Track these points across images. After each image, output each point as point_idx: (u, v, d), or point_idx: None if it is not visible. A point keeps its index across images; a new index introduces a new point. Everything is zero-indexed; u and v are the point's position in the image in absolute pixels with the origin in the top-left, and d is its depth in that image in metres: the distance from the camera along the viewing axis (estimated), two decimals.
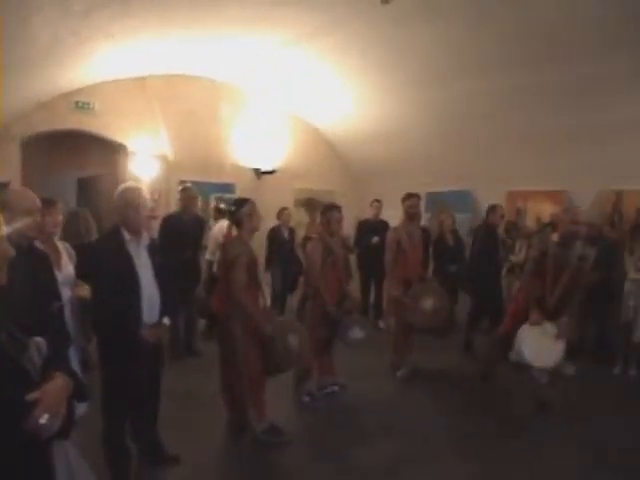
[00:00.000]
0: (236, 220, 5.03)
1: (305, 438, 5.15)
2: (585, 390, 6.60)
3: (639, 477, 4.57)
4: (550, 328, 5.56)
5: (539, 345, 5.46)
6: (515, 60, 7.59)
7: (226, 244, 5.07)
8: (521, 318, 5.74)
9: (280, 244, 9.42)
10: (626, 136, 8.14)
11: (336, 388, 6.28)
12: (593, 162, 8.49)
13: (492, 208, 8.26)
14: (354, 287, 9.71)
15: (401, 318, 6.80)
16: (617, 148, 8.28)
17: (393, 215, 8.79)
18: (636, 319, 7.07)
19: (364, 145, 11.41)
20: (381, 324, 9.65)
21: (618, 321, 7.48)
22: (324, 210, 6.19)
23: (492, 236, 8.11)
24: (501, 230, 8.74)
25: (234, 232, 5.09)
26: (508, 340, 5.77)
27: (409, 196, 7.03)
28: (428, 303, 6.68)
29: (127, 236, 4.00)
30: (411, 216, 7.01)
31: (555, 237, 5.79)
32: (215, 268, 7.17)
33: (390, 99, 9.67)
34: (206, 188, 10.03)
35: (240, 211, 4.99)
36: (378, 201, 10.05)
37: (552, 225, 8.00)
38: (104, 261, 3.91)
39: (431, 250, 8.80)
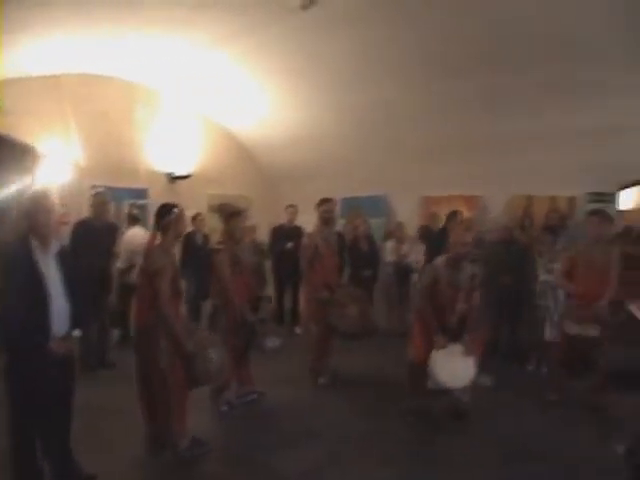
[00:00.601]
0: (163, 226, 4.82)
1: (226, 447, 5.09)
2: (503, 390, 6.73)
3: (563, 472, 4.68)
4: (457, 348, 5.58)
5: (451, 367, 5.44)
6: (434, 68, 7.80)
7: (149, 252, 4.85)
8: (427, 342, 5.68)
9: (194, 250, 9.23)
10: (537, 145, 8.56)
11: (255, 396, 6.17)
12: (506, 169, 8.81)
13: (453, 214, 8.33)
14: (269, 293, 9.70)
15: (321, 323, 6.78)
16: (528, 156, 8.68)
17: (307, 220, 8.81)
18: (547, 319, 7.30)
19: (279, 149, 11.37)
20: (297, 330, 9.66)
21: (531, 321, 7.77)
22: (227, 218, 6.04)
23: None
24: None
25: (157, 239, 4.89)
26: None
27: (324, 201, 7.00)
28: (353, 308, 6.72)
29: (34, 243, 3.82)
30: (326, 221, 6.99)
31: (442, 261, 5.80)
32: (134, 275, 6.96)
33: (307, 103, 9.68)
34: (119, 193, 9.69)
35: (168, 217, 4.81)
36: (292, 206, 10.01)
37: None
38: (9, 270, 3.72)
39: (346, 255, 8.84)
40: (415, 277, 9.45)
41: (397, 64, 7.95)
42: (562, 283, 6.56)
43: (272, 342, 6.01)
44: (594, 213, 6.48)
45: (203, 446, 4.87)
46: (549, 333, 7.20)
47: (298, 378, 6.99)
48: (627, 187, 9.01)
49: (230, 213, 6.10)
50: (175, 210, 4.88)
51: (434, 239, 8.41)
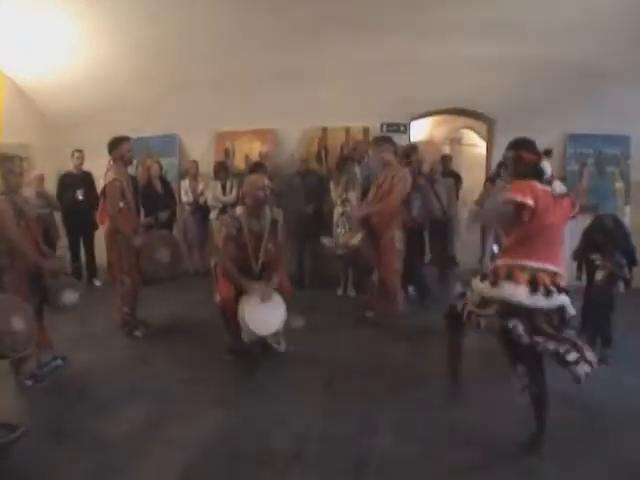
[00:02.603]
0: None
1: (42, 424, 4.50)
2: (318, 318, 6.92)
3: (383, 386, 4.97)
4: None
5: (261, 313, 5.38)
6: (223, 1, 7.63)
7: None
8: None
9: None
10: (330, 76, 8.79)
11: (60, 362, 5.54)
12: (299, 101, 8.94)
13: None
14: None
15: (134, 271, 6.39)
16: (322, 87, 8.86)
17: (95, 165, 8.34)
18: None
19: (60, 92, 10.34)
20: (97, 282, 9.16)
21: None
22: None
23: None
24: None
25: None
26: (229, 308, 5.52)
27: (123, 139, 6.39)
28: (164, 252, 6.46)
29: None
30: (129, 161, 6.51)
31: (239, 210, 5.70)
32: None
33: (89, 42, 8.95)
34: None
35: None
36: (79, 151, 9.25)
37: None
38: None
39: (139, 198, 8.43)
40: (213, 215, 9.40)
41: None
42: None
43: (68, 298, 5.38)
44: (373, 141, 6.87)
45: (14, 430, 4.17)
46: None
47: (106, 335, 6.59)
48: (418, 118, 9.59)
49: None
50: None
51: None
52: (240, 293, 5.50)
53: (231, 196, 9.19)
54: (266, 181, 5.74)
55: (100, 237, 7.04)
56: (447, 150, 13.86)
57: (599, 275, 5.69)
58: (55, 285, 5.28)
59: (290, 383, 5.17)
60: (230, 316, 5.48)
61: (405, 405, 4.61)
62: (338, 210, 8.07)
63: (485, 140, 10.72)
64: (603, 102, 8.67)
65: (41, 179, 9.03)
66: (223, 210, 9.05)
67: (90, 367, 5.68)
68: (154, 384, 5.22)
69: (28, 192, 8.43)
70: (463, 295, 4.07)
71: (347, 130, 9.34)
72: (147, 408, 4.70)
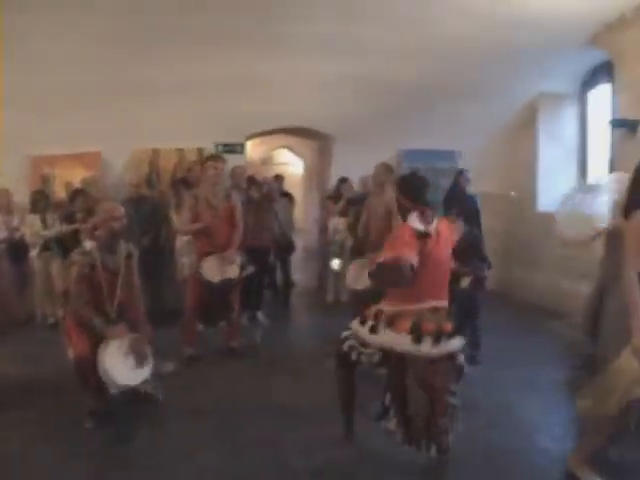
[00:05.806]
0: None
1: None
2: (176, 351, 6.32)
3: (269, 426, 4.57)
4: (125, 340, 4.74)
5: (124, 363, 4.62)
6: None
7: None
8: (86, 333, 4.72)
9: None
10: (161, 92, 8.40)
11: None
12: (127, 121, 8.56)
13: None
14: None
15: None
16: (152, 105, 8.53)
17: None
18: None
19: None
20: None
21: (174, 278, 7.86)
22: None
23: None
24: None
25: None
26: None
27: None
28: None
29: None
30: None
31: (90, 244, 4.90)
32: None
33: None
34: None
35: None
36: None
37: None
38: None
39: None
40: (33, 253, 8.34)
41: None
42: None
43: None
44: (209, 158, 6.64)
45: None
46: None
47: None
48: (254, 137, 9.50)
49: None
50: None
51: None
52: (97, 344, 4.62)
53: (53, 229, 8.17)
54: (123, 210, 4.93)
55: None
56: (260, 170, 14.01)
57: (464, 282, 5.84)
58: None
59: (175, 445, 4.38)
60: (88, 373, 4.59)
61: (313, 443, 4.27)
62: (183, 239, 7.63)
63: (304, 159, 11.55)
64: (435, 119, 9.35)
65: None
66: (45, 246, 8.14)
67: None
68: (6, 468, 4.08)
69: None
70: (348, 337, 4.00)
71: (180, 151, 8.89)
72: None
